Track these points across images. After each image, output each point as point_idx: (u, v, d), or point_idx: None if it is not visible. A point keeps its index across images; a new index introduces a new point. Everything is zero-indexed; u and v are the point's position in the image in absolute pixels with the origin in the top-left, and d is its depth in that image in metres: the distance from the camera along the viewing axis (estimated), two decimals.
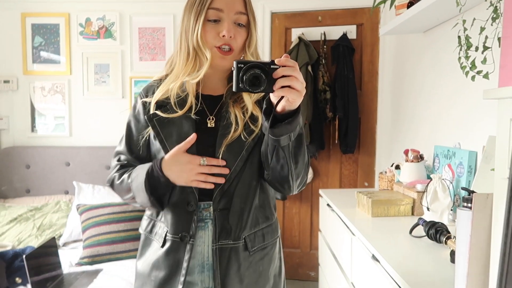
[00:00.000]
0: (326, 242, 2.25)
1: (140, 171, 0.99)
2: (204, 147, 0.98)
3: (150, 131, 1.03)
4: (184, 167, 0.94)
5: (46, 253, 1.99)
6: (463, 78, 1.25)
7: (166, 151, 0.97)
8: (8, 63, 2.86)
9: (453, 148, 1.78)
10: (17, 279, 1.87)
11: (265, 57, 2.85)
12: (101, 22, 2.83)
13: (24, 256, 1.78)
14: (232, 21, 0.97)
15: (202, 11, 0.95)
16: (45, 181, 2.80)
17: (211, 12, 0.96)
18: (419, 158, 1.92)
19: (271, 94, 0.84)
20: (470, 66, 1.10)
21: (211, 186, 0.96)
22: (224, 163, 0.96)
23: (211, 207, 1.00)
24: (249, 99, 1.01)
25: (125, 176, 1.03)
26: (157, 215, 1.06)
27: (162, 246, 1.01)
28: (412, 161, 1.91)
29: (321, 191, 2.39)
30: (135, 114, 1.08)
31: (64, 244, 2.41)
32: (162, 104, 1.01)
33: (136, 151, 1.07)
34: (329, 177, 2.91)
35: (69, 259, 2.19)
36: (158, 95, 1.01)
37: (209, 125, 1.01)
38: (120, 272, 2.02)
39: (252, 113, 1.00)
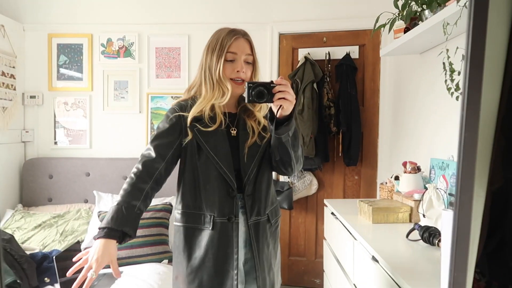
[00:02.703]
0: (330, 248, 2.39)
1: (106, 218, 1.21)
2: (232, 150, 1.30)
3: (188, 138, 1.29)
4: (93, 259, 1.16)
5: (72, 256, 2.15)
6: (455, 97, 1.42)
7: (207, 152, 1.28)
8: (35, 80, 3.07)
9: (447, 160, 1.93)
10: (46, 279, 2.03)
11: (273, 73, 3.04)
12: (121, 42, 3.04)
13: (54, 257, 1.95)
14: (243, 60, 1.30)
15: (222, 54, 1.28)
16: (66, 191, 2.98)
17: (229, 55, 1.28)
18: (417, 169, 2.07)
19: (272, 105, 1.19)
20: (454, 87, 1.27)
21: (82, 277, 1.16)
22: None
23: (242, 194, 1.29)
24: (260, 115, 1.34)
25: (113, 205, 1.25)
26: (198, 208, 1.30)
27: (212, 228, 1.26)
28: (410, 172, 2.06)
29: (326, 201, 2.54)
30: (169, 122, 1.32)
31: (86, 249, 2.57)
32: (197, 119, 1.29)
33: (161, 150, 1.30)
34: (333, 188, 3.06)
35: None
36: (194, 112, 1.29)
37: (232, 134, 1.33)
38: (139, 274, 2.17)
39: (263, 125, 1.34)
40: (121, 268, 2.27)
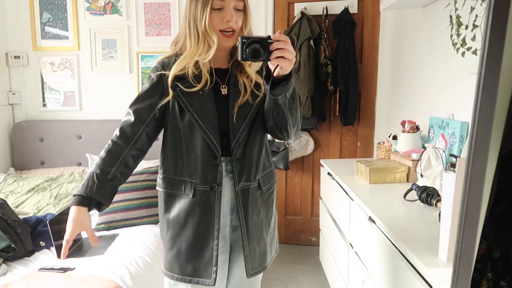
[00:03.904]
0: (326, 208, 2.39)
1: (82, 185, 1.15)
2: (220, 109, 1.19)
3: (170, 100, 1.18)
4: (72, 227, 1.11)
5: (66, 219, 2.14)
6: (460, 52, 1.34)
7: (191, 114, 1.16)
8: (18, 39, 2.92)
9: (447, 119, 1.88)
10: (41, 242, 2.02)
11: (268, 30, 2.91)
12: None
13: (48, 221, 1.93)
14: (232, 7, 1.14)
15: (208, 2, 1.12)
16: (58, 154, 2.92)
17: (216, 2, 1.12)
18: (415, 128, 2.02)
19: (268, 63, 1.05)
20: (460, 43, 1.19)
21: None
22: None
23: (231, 157, 1.20)
24: (251, 71, 1.20)
25: (89, 171, 1.18)
26: (179, 174, 1.21)
27: (193, 196, 1.19)
28: (408, 132, 2.02)
29: (322, 161, 2.51)
30: (150, 82, 1.22)
31: None
32: (180, 78, 1.17)
33: (140, 114, 1.20)
34: (330, 148, 3.03)
35: None
36: (175, 70, 1.17)
37: (222, 93, 1.21)
38: (135, 236, 2.17)
39: (256, 81, 1.21)
40: (117, 231, 2.27)
